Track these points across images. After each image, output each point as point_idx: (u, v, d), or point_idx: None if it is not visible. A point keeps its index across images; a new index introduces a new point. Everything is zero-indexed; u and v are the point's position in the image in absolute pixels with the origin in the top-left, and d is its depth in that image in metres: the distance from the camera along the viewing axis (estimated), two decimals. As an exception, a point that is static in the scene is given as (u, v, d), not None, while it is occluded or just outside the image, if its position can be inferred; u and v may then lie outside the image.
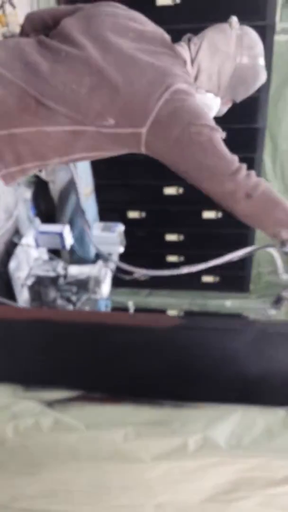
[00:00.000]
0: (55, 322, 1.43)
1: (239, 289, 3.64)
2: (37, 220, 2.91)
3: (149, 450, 1.11)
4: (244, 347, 1.29)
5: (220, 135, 1.19)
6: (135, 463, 1.12)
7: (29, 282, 2.70)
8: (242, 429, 1.10)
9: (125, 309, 3.17)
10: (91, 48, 1.18)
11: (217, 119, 1.32)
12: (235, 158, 1.19)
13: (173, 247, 3.52)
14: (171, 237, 3.49)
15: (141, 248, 3.46)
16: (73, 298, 2.71)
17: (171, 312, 3.40)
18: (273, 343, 1.31)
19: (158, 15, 1.47)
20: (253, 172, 1.20)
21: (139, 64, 1.18)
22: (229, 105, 1.42)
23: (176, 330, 1.42)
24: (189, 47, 1.32)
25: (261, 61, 1.34)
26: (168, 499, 1.22)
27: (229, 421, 1.11)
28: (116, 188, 3.35)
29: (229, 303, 3.52)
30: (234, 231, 3.41)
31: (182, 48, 1.31)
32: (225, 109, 1.43)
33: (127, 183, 3.32)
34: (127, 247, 3.20)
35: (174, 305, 3.50)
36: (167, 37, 1.32)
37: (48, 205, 3.16)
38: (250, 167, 1.23)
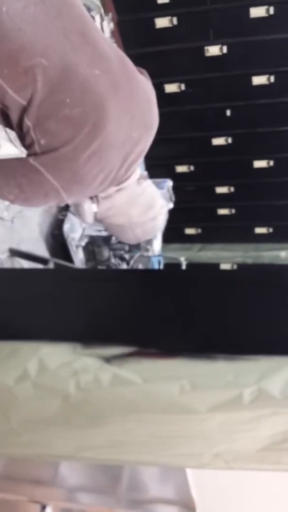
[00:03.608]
0: (109, 281, 1.47)
1: (293, 239, 3.56)
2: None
3: (204, 402, 1.15)
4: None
5: None
6: (192, 414, 1.16)
7: (83, 242, 2.76)
8: (297, 380, 1.11)
9: (177, 265, 3.19)
10: None
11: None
12: None
13: (224, 200, 3.46)
14: (221, 190, 3.43)
15: (191, 202, 3.43)
16: (126, 256, 2.75)
17: (224, 266, 3.39)
18: None
19: None
20: None
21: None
22: None
23: (230, 284, 1.43)
24: (138, 181, 1.34)
25: None
26: (226, 448, 1.27)
27: (284, 372, 1.12)
28: (162, 144, 3.28)
29: (284, 253, 3.45)
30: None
31: (134, 174, 1.30)
32: None
33: (172, 137, 3.26)
34: (177, 203, 3.18)
35: (227, 258, 3.48)
36: (140, 160, 1.31)
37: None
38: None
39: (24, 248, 2.40)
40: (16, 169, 1.17)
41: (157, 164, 3.33)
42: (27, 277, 1.61)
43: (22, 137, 1.16)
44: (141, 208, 1.38)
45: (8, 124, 1.18)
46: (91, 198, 1.33)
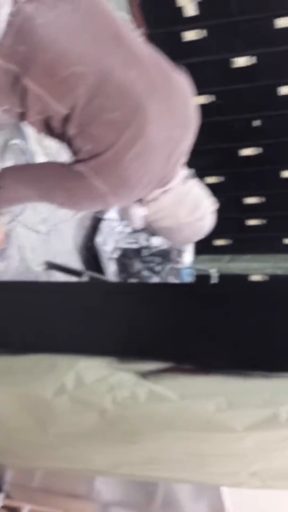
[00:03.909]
0: (145, 295, 1.48)
1: None
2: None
3: (241, 420, 1.14)
4: None
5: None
6: (228, 432, 1.16)
7: (115, 255, 2.79)
8: None
9: (208, 276, 3.19)
10: None
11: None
12: None
13: (254, 210, 3.44)
14: (251, 200, 3.41)
15: (221, 213, 3.41)
16: (157, 268, 2.76)
17: (255, 277, 3.36)
18: None
19: None
20: None
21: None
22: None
23: (263, 299, 1.42)
24: (183, 180, 1.34)
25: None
26: (262, 467, 1.26)
27: None
28: (191, 155, 3.31)
29: (315, 264, 3.41)
30: None
31: (177, 178, 1.31)
32: None
33: (202, 149, 3.26)
34: (206, 214, 3.19)
35: (257, 269, 3.45)
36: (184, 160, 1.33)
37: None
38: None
39: (59, 260, 2.44)
40: (65, 174, 1.20)
41: (186, 176, 3.34)
42: (63, 291, 1.63)
43: (68, 144, 1.19)
44: (188, 208, 1.36)
45: (52, 134, 1.21)
46: (139, 202, 1.33)
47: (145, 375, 1.28)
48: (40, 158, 2.42)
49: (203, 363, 1.27)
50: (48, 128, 1.20)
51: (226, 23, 2.93)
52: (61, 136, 1.19)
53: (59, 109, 1.11)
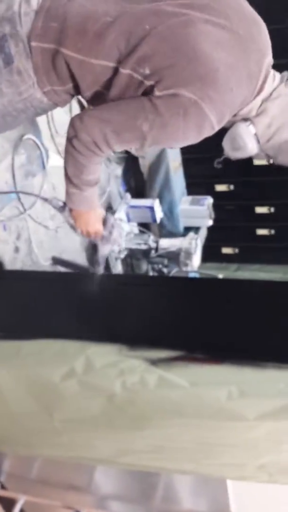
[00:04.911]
0: (156, 286, 1.48)
1: None
2: (128, 195, 2.98)
3: (253, 409, 1.13)
4: None
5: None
6: (239, 421, 1.14)
7: (122, 255, 2.78)
8: None
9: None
10: None
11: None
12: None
13: (264, 220, 3.43)
14: (261, 210, 3.41)
15: (230, 221, 3.42)
16: (164, 270, 2.75)
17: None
18: None
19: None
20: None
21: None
22: (262, 159, 1.32)
23: (276, 293, 1.42)
24: (277, 84, 1.20)
25: None
26: (271, 460, 1.24)
27: None
28: (203, 162, 3.31)
29: None
30: None
31: (271, 80, 1.19)
32: (257, 159, 1.32)
33: (214, 156, 3.27)
34: (215, 221, 3.18)
35: (265, 279, 3.43)
36: (269, 60, 1.19)
37: (138, 180, 3.22)
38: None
39: (65, 257, 2.43)
40: (146, 98, 1.12)
41: (197, 183, 3.35)
42: (76, 280, 1.63)
43: (131, 89, 1.14)
44: None
45: (99, 100, 1.20)
46: (244, 121, 1.22)
47: (155, 362, 1.27)
48: (53, 155, 2.44)
49: (214, 352, 1.26)
50: (98, 97, 1.18)
51: None
52: (120, 89, 1.14)
53: (104, 64, 1.12)
